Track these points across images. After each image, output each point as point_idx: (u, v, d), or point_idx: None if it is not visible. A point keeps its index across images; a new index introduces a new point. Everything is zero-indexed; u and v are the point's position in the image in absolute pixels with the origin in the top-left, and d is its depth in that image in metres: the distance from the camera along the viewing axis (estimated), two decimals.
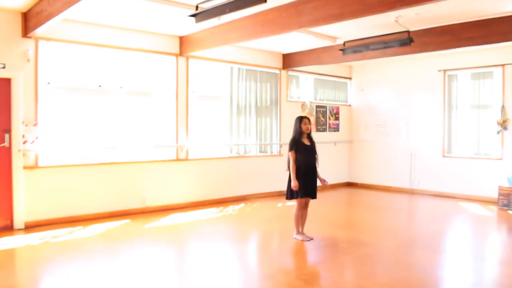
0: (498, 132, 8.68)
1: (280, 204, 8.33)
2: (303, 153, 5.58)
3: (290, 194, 5.63)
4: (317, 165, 5.70)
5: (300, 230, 5.71)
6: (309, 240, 5.56)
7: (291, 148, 5.61)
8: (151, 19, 6.77)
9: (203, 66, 8.35)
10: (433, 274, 4.49)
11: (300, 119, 5.70)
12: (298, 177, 5.50)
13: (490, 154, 8.95)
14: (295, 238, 5.66)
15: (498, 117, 8.67)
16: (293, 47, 8.91)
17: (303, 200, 5.62)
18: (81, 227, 6.31)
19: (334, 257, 5.01)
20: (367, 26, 6.92)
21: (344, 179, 11.17)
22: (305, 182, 5.53)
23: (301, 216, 5.69)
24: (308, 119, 5.77)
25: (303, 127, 5.65)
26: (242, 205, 8.22)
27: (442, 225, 6.88)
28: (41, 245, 5.38)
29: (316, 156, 5.70)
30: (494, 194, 8.46)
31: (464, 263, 5.02)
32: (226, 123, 8.69)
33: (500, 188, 8.15)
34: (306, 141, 5.67)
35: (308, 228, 5.86)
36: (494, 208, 8.11)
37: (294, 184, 5.47)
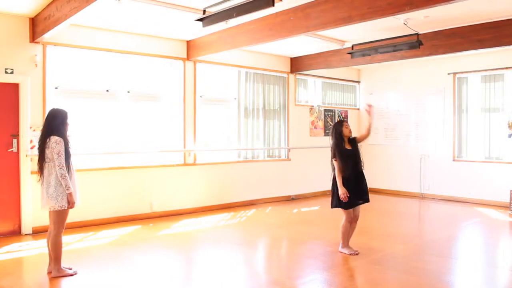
0: (510, 136, 8.56)
1: (295, 210, 8.28)
2: (346, 159, 5.13)
3: (336, 202, 5.20)
4: (363, 169, 5.30)
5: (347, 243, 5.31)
6: (355, 254, 5.16)
7: (334, 156, 5.18)
8: (159, 24, 6.77)
9: (210, 70, 8.34)
10: (444, 280, 4.41)
11: (341, 123, 5.31)
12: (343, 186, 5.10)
13: (501, 158, 8.83)
14: (341, 252, 5.25)
15: (509, 120, 8.56)
16: (301, 50, 8.87)
17: (351, 211, 5.21)
18: (92, 232, 6.30)
19: (344, 263, 4.94)
20: (376, 29, 6.86)
21: None
22: (351, 191, 5.09)
23: (350, 228, 5.28)
24: (346, 121, 5.31)
25: (345, 130, 5.23)
26: (253, 210, 8.16)
27: (452, 230, 6.78)
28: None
29: (360, 160, 5.25)
30: (506, 199, 8.33)
31: (475, 269, 4.93)
32: (234, 127, 8.66)
33: None
34: (348, 146, 5.24)
35: (317, 234, 5.80)
36: (506, 212, 7.99)
37: (342, 191, 5.04)
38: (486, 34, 6.62)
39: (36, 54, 6.27)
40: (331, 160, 5.24)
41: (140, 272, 4.64)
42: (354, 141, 5.31)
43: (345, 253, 5.22)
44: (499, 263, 5.16)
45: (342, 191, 5.04)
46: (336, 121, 5.31)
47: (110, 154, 7.02)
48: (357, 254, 5.19)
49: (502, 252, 5.74)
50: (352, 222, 5.27)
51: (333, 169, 5.22)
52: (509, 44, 6.62)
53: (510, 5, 5.77)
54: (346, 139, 5.25)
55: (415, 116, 10.14)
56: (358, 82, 11.24)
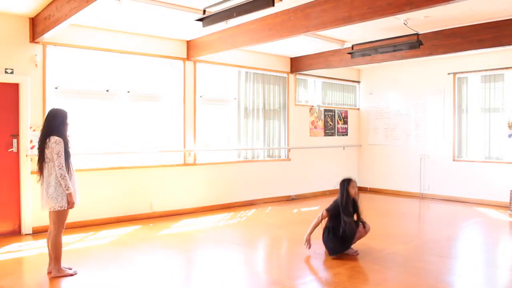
0: (510, 136, 8.56)
1: (295, 210, 8.28)
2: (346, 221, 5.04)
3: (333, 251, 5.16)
4: (359, 228, 5.26)
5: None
6: (356, 254, 5.17)
7: (328, 211, 5.15)
8: (159, 24, 6.76)
9: (210, 70, 8.34)
10: (444, 280, 4.41)
11: (349, 182, 5.15)
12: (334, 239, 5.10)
13: (501, 158, 8.83)
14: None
15: (509, 120, 8.56)
16: (301, 50, 8.87)
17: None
18: (92, 232, 6.30)
19: (344, 263, 4.93)
20: (376, 29, 6.86)
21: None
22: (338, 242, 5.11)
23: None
24: (355, 181, 5.21)
25: (351, 190, 5.11)
26: (253, 210, 8.16)
27: (452, 230, 6.78)
28: None
29: (353, 223, 5.15)
30: (506, 199, 8.33)
31: (475, 269, 4.92)
32: (234, 127, 8.65)
33: None
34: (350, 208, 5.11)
35: (317, 234, 5.78)
36: (506, 212, 7.99)
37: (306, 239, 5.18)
38: (486, 34, 6.62)
39: (36, 54, 6.27)
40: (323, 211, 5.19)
41: (140, 272, 4.64)
42: (356, 203, 5.24)
43: (345, 253, 5.22)
44: (499, 263, 5.16)
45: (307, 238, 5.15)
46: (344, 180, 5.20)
47: (110, 154, 7.02)
48: (357, 254, 5.20)
49: (502, 252, 5.74)
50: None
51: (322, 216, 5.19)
52: (509, 44, 6.62)
53: (510, 5, 5.77)
54: (351, 199, 5.15)
55: (415, 116, 10.14)
56: (358, 82, 11.24)
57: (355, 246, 5.32)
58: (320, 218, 5.19)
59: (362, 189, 10.99)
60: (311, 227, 5.22)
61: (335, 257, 5.11)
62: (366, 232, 5.38)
